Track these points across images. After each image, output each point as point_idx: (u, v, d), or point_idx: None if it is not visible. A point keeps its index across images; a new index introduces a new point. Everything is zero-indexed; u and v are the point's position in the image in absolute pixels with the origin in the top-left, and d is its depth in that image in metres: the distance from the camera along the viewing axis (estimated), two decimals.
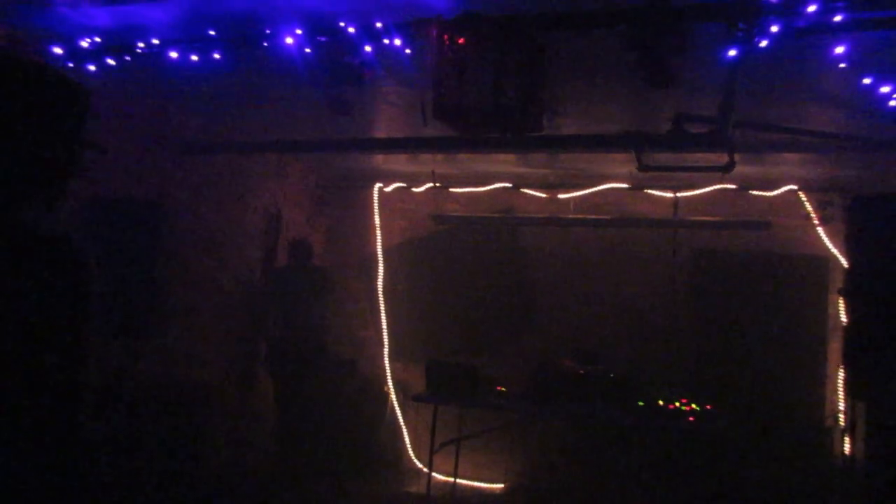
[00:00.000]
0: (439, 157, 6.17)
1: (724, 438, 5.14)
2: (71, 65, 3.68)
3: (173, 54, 3.50)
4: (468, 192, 7.03)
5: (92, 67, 3.67)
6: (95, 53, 3.63)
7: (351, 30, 3.20)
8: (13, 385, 1.31)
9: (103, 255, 4.05)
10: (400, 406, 6.98)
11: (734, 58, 2.91)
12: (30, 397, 1.32)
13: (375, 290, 7.23)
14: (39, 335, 1.33)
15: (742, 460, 5.44)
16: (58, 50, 3.67)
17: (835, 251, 5.96)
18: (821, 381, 5.96)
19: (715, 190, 6.25)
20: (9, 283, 1.32)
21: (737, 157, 4.38)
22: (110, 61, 3.63)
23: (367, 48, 3.23)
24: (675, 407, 4.97)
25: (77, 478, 1.35)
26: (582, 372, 5.34)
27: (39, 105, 1.44)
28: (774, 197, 6.21)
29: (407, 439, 6.96)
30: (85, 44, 3.63)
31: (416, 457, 6.88)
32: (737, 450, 5.37)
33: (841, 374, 5.58)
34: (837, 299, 5.65)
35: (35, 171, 1.45)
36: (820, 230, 6.09)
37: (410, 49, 3.23)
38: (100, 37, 3.61)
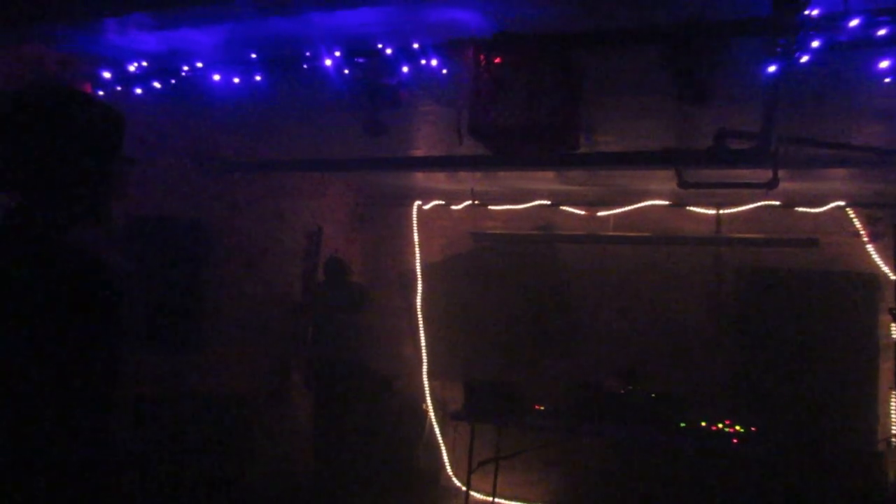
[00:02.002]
0: (478, 174, 6.18)
1: (770, 462, 5.00)
2: (119, 88, 3.81)
3: (216, 77, 3.60)
4: (507, 210, 7.03)
5: (139, 90, 3.79)
6: (143, 77, 3.75)
7: (388, 51, 3.24)
8: (47, 396, 1.35)
9: (147, 271, 4.16)
10: (438, 424, 6.97)
11: (774, 73, 2.86)
12: (63, 408, 1.36)
13: (414, 307, 7.25)
14: (72, 348, 1.37)
15: (788, 485, 5.27)
16: (107, 74, 3.81)
17: (885, 268, 5.79)
18: (871, 404, 5.75)
19: (759, 206, 6.13)
20: (45, 296, 1.37)
21: (781, 173, 4.30)
22: (156, 84, 3.75)
23: (405, 69, 3.27)
24: (719, 428, 4.85)
25: (110, 489, 1.39)
26: (622, 391, 5.26)
27: (84, 130, 1.53)
28: (821, 213, 6.06)
29: (445, 457, 6.94)
30: (132, 68, 3.76)
31: (455, 475, 6.84)
32: (783, 474, 5.21)
33: (894, 397, 5.39)
34: (888, 318, 5.48)
35: (78, 191, 1.53)
36: (869, 247, 5.92)
37: (447, 69, 3.26)
38: (147, 61, 3.74)
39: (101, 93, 3.84)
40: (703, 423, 4.91)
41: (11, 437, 1.34)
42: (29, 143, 1.49)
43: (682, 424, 4.92)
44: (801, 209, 6.09)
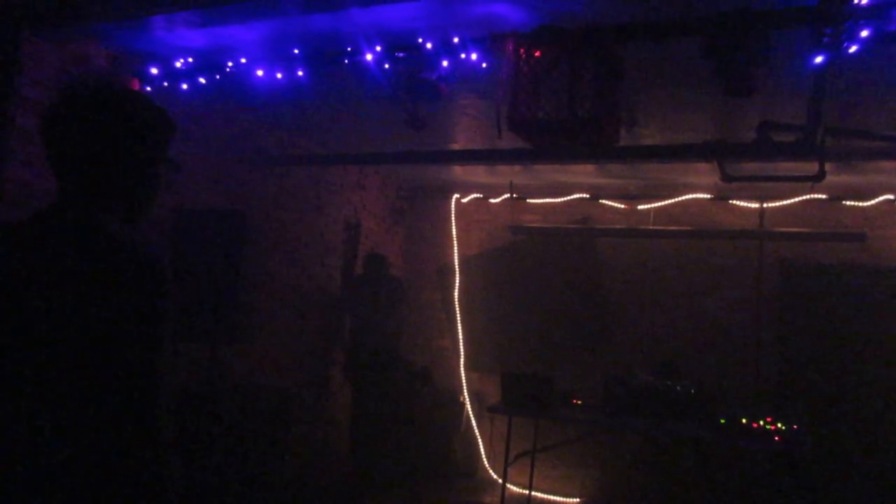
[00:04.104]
0: (517, 167, 6.17)
1: (813, 461, 4.91)
2: (166, 84, 3.90)
3: (259, 72, 3.66)
4: (545, 203, 7.00)
5: (185, 86, 3.87)
6: (188, 73, 3.83)
7: (429, 45, 3.26)
8: (91, 385, 1.40)
9: (189, 263, 4.25)
10: (475, 416, 7.00)
11: (821, 64, 2.80)
12: (107, 398, 1.40)
13: (452, 299, 7.28)
14: (117, 339, 1.41)
15: (832, 485, 5.17)
16: (154, 70, 3.90)
17: None
18: None
19: (804, 200, 6.01)
20: (89, 287, 1.41)
21: (828, 165, 4.20)
22: (201, 80, 3.83)
23: (444, 63, 3.28)
24: (760, 426, 4.77)
25: (154, 478, 1.43)
26: (661, 386, 5.21)
27: (135, 130, 1.57)
28: (869, 207, 5.92)
29: (482, 450, 6.97)
30: (179, 64, 3.84)
31: (491, 468, 6.87)
32: (825, 473, 5.12)
33: None
34: None
35: (126, 186, 1.58)
36: None
37: (487, 63, 3.26)
38: (193, 57, 3.81)
39: (148, 88, 3.94)
40: (744, 420, 4.83)
41: (52, 429, 1.38)
42: (80, 135, 1.53)
43: (722, 421, 4.85)
44: (848, 203, 5.95)
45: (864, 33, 2.59)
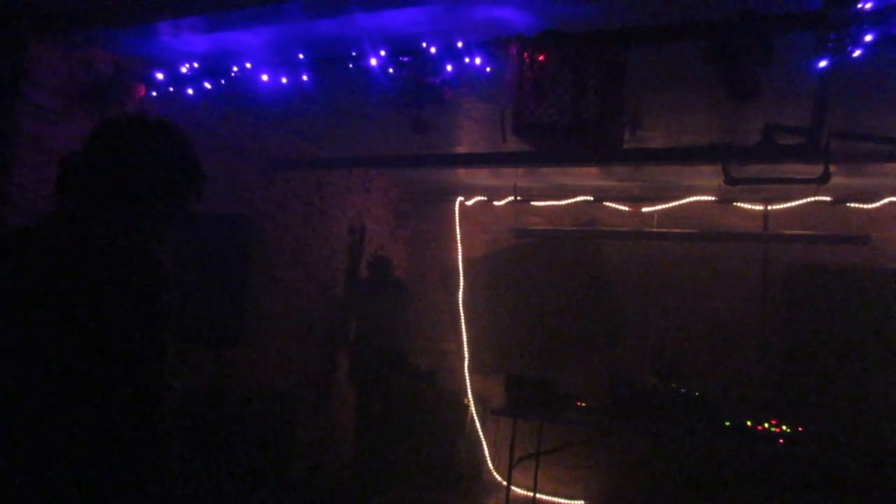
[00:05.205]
0: (521, 170, 6.18)
1: (817, 463, 4.89)
2: (171, 89, 3.92)
3: (264, 77, 3.68)
4: (550, 206, 7.00)
5: (190, 91, 3.89)
6: (194, 78, 3.85)
7: (433, 50, 3.27)
8: (93, 389, 1.41)
9: (193, 266, 4.26)
10: (479, 419, 7.00)
11: (825, 68, 2.80)
12: (109, 400, 1.41)
13: (456, 302, 7.28)
14: (119, 342, 1.42)
15: (837, 488, 5.16)
16: (160, 75, 3.92)
17: None
18: None
19: (808, 202, 6.00)
20: (92, 291, 1.43)
21: (832, 168, 4.20)
22: (207, 85, 3.84)
23: (449, 67, 3.29)
24: (765, 428, 4.76)
25: (157, 478, 1.44)
26: (665, 389, 5.20)
27: (166, 175, 1.66)
28: (874, 209, 5.90)
29: (486, 452, 6.96)
30: (184, 69, 3.86)
31: (496, 470, 6.86)
32: (830, 475, 5.10)
33: None
34: None
35: (142, 222, 1.63)
36: None
37: (491, 67, 3.27)
38: (198, 62, 3.83)
39: (153, 93, 3.95)
40: (749, 423, 4.82)
41: (55, 432, 1.39)
42: (119, 169, 1.59)
43: (727, 423, 4.84)
44: (853, 205, 5.94)
45: (868, 38, 2.60)
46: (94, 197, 1.56)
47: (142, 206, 1.61)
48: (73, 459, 1.39)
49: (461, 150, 5.79)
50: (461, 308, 7.26)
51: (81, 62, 3.85)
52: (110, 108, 3.90)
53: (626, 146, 3.59)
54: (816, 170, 4.18)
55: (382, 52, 3.36)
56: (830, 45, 2.61)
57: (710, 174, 5.36)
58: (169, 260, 1.53)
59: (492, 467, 6.92)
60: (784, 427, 4.75)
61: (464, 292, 7.29)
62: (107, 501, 1.41)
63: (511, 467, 5.34)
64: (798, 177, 4.41)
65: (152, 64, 3.93)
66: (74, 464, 1.39)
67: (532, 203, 7.03)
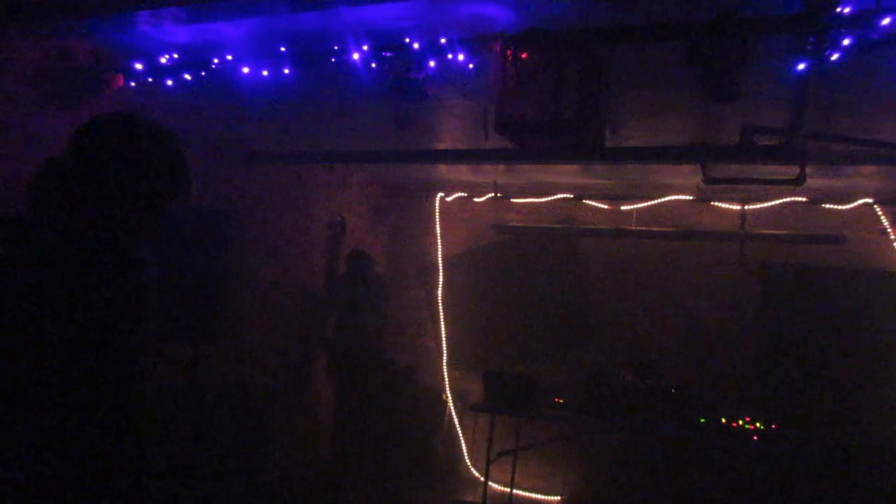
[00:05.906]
0: (501, 167, 6.19)
1: (790, 460, 4.97)
2: (150, 79, 3.87)
3: (245, 69, 3.64)
4: (529, 203, 7.03)
5: (169, 82, 3.84)
6: (173, 69, 3.80)
7: (416, 45, 3.26)
8: (72, 383, 1.40)
9: (170, 260, 4.22)
10: (458, 415, 7.01)
11: (803, 71, 2.84)
12: (86, 396, 1.40)
13: (435, 298, 7.29)
14: (96, 335, 1.41)
15: (809, 483, 5.25)
16: (139, 66, 3.86)
17: None
18: None
19: (784, 203, 6.08)
20: (71, 286, 1.41)
21: (808, 169, 4.26)
22: (187, 76, 3.79)
23: (431, 63, 3.29)
24: (739, 425, 4.84)
25: (133, 474, 1.43)
26: (642, 386, 5.26)
27: (151, 176, 1.64)
28: (848, 210, 6.00)
29: (464, 448, 6.99)
30: (164, 60, 3.81)
31: (473, 466, 6.89)
32: (803, 472, 5.19)
33: None
34: None
35: (138, 207, 1.61)
36: None
37: (474, 64, 3.27)
38: (178, 53, 3.78)
39: (132, 84, 3.90)
40: (724, 420, 4.90)
41: (32, 432, 1.38)
42: (103, 168, 1.56)
43: (702, 420, 4.91)
44: (827, 206, 6.03)
45: (846, 41, 2.63)
46: (79, 196, 1.54)
47: (127, 207, 1.58)
48: (52, 452, 1.38)
49: (442, 146, 5.79)
50: (440, 304, 7.26)
51: (59, 51, 3.79)
52: (87, 98, 3.84)
53: (606, 145, 3.62)
54: (793, 170, 4.25)
55: (365, 47, 3.34)
56: (809, 48, 2.64)
57: (688, 173, 5.42)
58: (153, 260, 1.51)
59: (469, 463, 6.94)
60: (758, 424, 4.83)
61: (443, 288, 7.29)
62: (87, 494, 1.40)
63: (489, 463, 5.37)
64: (775, 177, 4.47)
65: (131, 54, 3.87)
66: (54, 456, 1.38)
67: (512, 200, 7.05)
